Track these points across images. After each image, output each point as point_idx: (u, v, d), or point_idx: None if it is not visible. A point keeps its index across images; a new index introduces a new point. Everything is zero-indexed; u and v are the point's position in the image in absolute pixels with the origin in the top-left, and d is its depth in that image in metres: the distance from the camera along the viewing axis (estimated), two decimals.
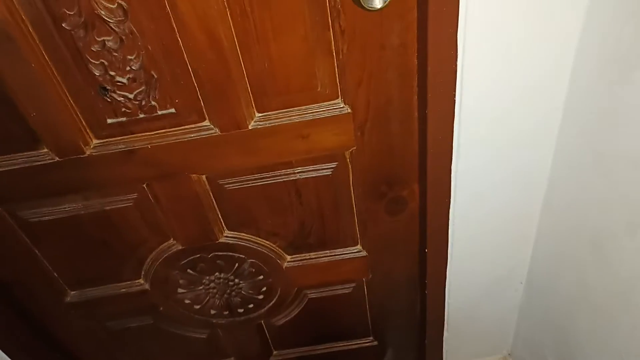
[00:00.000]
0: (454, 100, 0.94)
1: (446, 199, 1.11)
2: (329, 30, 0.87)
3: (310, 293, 1.40)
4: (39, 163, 1.00)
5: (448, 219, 1.14)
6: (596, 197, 0.95)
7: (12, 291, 1.27)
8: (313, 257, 1.29)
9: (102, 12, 0.81)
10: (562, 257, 1.11)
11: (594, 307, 1.03)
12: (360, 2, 0.74)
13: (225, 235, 1.20)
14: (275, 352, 1.62)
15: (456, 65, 0.87)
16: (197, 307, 1.39)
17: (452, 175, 1.06)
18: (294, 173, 1.09)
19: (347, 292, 1.40)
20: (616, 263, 0.92)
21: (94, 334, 1.43)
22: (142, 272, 1.27)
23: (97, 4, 0.80)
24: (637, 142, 0.79)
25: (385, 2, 0.73)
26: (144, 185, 1.08)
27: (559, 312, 1.15)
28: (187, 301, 1.36)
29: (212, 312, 1.41)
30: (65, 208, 1.09)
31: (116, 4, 0.80)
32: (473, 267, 1.25)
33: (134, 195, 1.10)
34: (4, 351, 1.31)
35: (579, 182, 0.99)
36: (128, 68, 0.90)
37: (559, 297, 1.14)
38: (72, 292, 1.30)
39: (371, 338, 1.59)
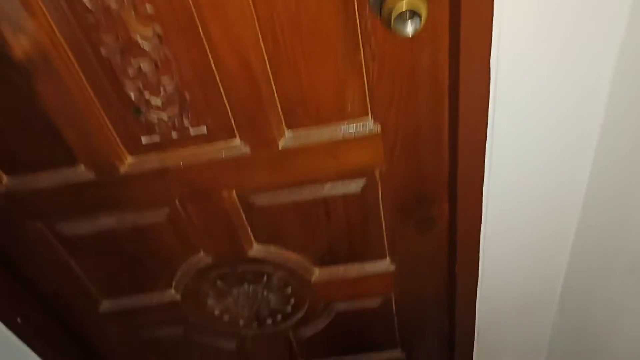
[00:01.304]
0: (486, 122, 0.93)
1: (477, 218, 1.09)
2: (360, 53, 0.87)
3: (338, 306, 1.41)
4: (77, 180, 1.03)
5: (479, 237, 1.13)
6: (636, 217, 0.92)
7: (49, 300, 1.31)
8: (341, 271, 1.29)
9: (138, 39, 0.83)
10: (598, 278, 1.08)
11: (630, 331, 1.00)
12: (391, 28, 0.74)
13: (254, 249, 1.22)
14: None
15: (489, 89, 0.86)
16: (227, 318, 1.41)
17: (483, 195, 1.05)
18: (323, 190, 1.10)
19: (375, 306, 1.40)
20: None
21: (127, 343, 1.47)
22: (174, 284, 1.30)
23: (133, 30, 0.82)
24: None
25: (416, 29, 0.72)
26: (177, 202, 1.10)
27: (593, 335, 1.13)
28: (216, 312, 1.38)
29: (241, 323, 1.43)
30: (100, 223, 1.12)
31: (152, 31, 0.82)
32: (504, 287, 1.24)
33: (167, 211, 1.12)
34: (42, 358, 1.35)
35: (617, 201, 0.97)
36: (162, 90, 0.92)
37: (594, 319, 1.11)
38: (106, 302, 1.34)
39: (399, 351, 1.58)
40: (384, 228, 1.18)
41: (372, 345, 1.57)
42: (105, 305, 1.35)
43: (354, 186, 1.09)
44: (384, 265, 1.28)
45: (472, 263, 1.18)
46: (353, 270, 1.29)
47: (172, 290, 1.32)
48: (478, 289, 1.24)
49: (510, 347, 1.45)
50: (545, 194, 1.06)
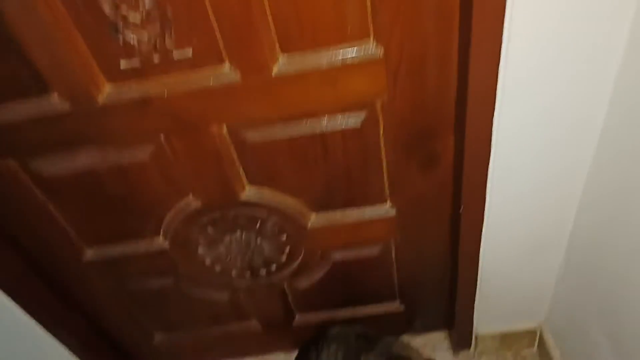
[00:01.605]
0: (501, 42, 0.84)
1: (485, 153, 1.02)
2: None
3: (336, 255, 1.34)
4: (51, 112, 0.94)
5: (486, 176, 1.05)
6: None
7: (29, 250, 1.24)
8: (339, 216, 1.22)
9: None
10: (611, 217, 1.02)
11: None
12: None
13: (246, 192, 1.14)
14: (298, 316, 1.57)
15: (505, 3, 0.77)
16: (218, 268, 1.34)
17: (492, 127, 0.97)
18: (321, 125, 1.02)
19: (374, 254, 1.34)
20: None
21: (114, 295, 1.40)
22: (162, 230, 1.23)
23: None
24: None
25: None
26: (161, 138, 1.02)
27: (605, 278, 1.07)
28: (207, 262, 1.32)
29: (234, 273, 1.36)
30: (79, 161, 1.04)
31: None
32: (511, 228, 1.17)
33: (151, 148, 1.03)
34: (24, 309, 1.29)
35: (635, 135, 0.89)
36: (140, 5, 0.82)
37: (606, 261, 1.05)
38: (90, 250, 1.27)
39: (398, 302, 1.53)
40: (384, 167, 1.11)
41: (370, 297, 1.51)
42: (90, 254, 1.27)
43: (354, 120, 1.01)
44: (384, 209, 1.21)
45: (478, 205, 1.11)
46: (351, 215, 1.22)
47: (160, 238, 1.25)
48: (482, 234, 1.18)
49: (512, 298, 1.40)
50: (559, 131, 0.99)
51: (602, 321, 1.12)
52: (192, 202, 1.15)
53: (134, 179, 1.09)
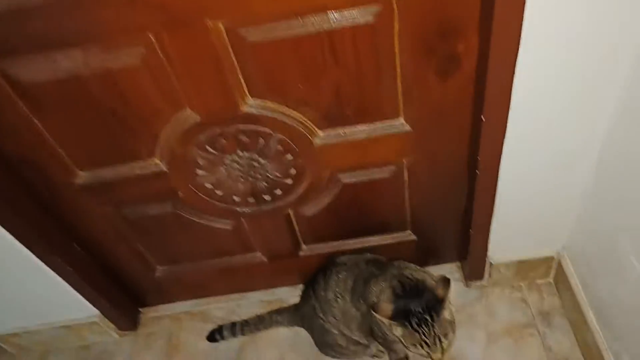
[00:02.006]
0: None
1: (512, 53, 0.91)
2: None
3: (344, 178, 1.26)
4: (23, 3, 0.84)
5: (512, 80, 0.95)
6: None
7: (20, 172, 1.16)
8: (348, 132, 1.13)
9: None
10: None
11: None
12: None
13: (248, 104, 1.05)
14: (304, 247, 1.51)
15: None
16: (219, 192, 1.26)
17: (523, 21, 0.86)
18: (329, 21, 0.91)
19: (385, 176, 1.26)
20: None
21: (112, 223, 1.33)
22: (157, 150, 1.14)
23: None
24: None
25: None
26: (152, 37, 0.91)
27: (627, 212, 0.98)
28: (207, 185, 1.24)
29: (236, 199, 1.29)
30: (60, 64, 0.94)
31: None
32: (535, 141, 1.08)
33: (141, 51, 0.93)
34: (16, 237, 1.22)
35: None
36: None
37: (628, 197, 0.97)
38: (82, 173, 1.18)
39: (409, 231, 1.47)
40: (398, 73, 1.00)
41: (380, 226, 1.44)
42: (82, 177, 1.19)
43: (366, 14, 0.90)
44: (398, 125, 1.12)
45: (501, 113, 1.01)
46: (362, 132, 1.13)
47: (157, 159, 1.16)
48: (504, 149, 1.09)
49: (531, 223, 1.32)
50: (598, 25, 0.88)
51: (634, 240, 1.04)
52: (189, 115, 1.06)
53: (124, 88, 0.99)
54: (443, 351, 1.08)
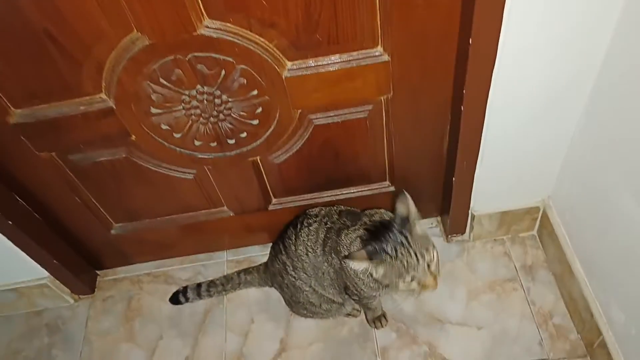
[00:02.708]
0: None
1: None
2: None
3: (316, 119, 1.14)
4: None
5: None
6: None
7: None
8: (320, 63, 1.01)
9: None
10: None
11: None
12: None
13: (205, 25, 0.91)
14: (274, 200, 1.40)
15: None
16: (178, 135, 1.13)
17: None
18: None
19: (361, 117, 1.15)
20: None
21: (57, 171, 1.19)
22: (103, 83, 1.00)
23: None
24: None
25: None
26: None
27: (636, 128, 0.90)
28: (164, 127, 1.11)
29: (197, 143, 1.16)
30: None
31: None
32: (526, 72, 0.97)
33: None
34: None
35: None
36: None
37: (621, 127, 0.88)
38: (17, 111, 1.04)
39: (387, 182, 1.36)
40: None
41: (355, 176, 1.34)
42: (17, 116, 1.04)
43: None
44: (376, 54, 1.00)
45: (491, 35, 0.90)
46: (335, 63, 1.01)
47: (103, 94, 1.02)
48: (492, 80, 0.98)
49: (517, 170, 1.23)
50: None
51: (627, 176, 0.96)
52: (137, 39, 0.92)
53: (61, 6, 0.85)
54: (433, 275, 1.01)
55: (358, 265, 0.98)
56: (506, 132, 1.11)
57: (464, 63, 0.96)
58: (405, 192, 1.00)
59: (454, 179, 1.24)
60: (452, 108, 1.11)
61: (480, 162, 1.18)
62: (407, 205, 0.99)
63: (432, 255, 1.01)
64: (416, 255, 0.98)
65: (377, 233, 1.02)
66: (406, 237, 0.98)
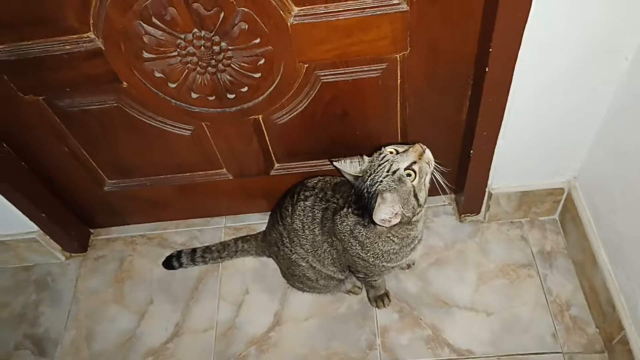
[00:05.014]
0: None
1: None
2: None
3: (324, 76, 1.04)
4: None
5: None
6: None
7: None
8: (331, 9, 0.90)
9: None
10: None
11: None
12: None
13: None
14: (277, 165, 1.31)
15: None
16: (173, 85, 1.04)
17: None
18: None
19: (373, 76, 1.04)
20: None
21: (45, 117, 1.11)
22: (91, 20, 0.91)
23: None
24: None
25: None
26: None
27: None
28: (157, 74, 1.01)
29: (194, 96, 1.07)
30: None
31: None
32: (561, 30, 0.85)
33: None
34: None
35: None
36: None
37: None
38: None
39: None
40: None
41: (365, 143, 1.23)
42: (0, 52, 0.96)
43: None
44: (394, 3, 0.89)
45: None
46: (347, 10, 0.90)
47: (91, 33, 0.93)
48: (524, 33, 0.87)
49: (543, 145, 1.12)
50: None
51: None
52: None
53: None
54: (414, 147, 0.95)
55: (385, 214, 0.90)
56: (535, 97, 0.99)
57: (492, 13, 0.84)
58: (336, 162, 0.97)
59: (471, 151, 1.13)
60: (476, 69, 1.00)
61: (503, 132, 1.07)
62: (350, 170, 0.97)
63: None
64: (388, 161, 0.93)
65: (360, 196, 0.95)
66: (374, 174, 0.93)
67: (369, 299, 1.29)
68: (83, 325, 1.34)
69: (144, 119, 1.13)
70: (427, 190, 0.97)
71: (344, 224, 1.02)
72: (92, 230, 1.52)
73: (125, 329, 1.32)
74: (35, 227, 1.34)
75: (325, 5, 0.90)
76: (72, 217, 1.43)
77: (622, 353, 1.07)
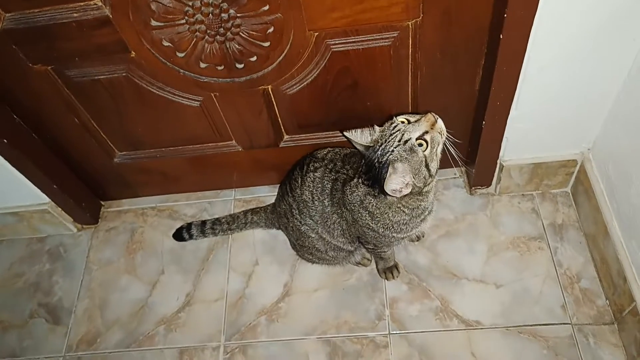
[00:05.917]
0: None
1: None
2: None
3: (335, 44, 1.03)
4: None
5: None
6: None
7: None
8: None
9: None
10: None
11: None
12: None
13: None
14: (286, 137, 1.30)
15: None
16: (181, 55, 1.03)
17: None
18: None
19: (385, 45, 1.02)
20: None
21: (54, 87, 1.11)
22: None
23: None
24: None
25: None
26: None
27: None
28: (165, 43, 1.00)
29: (203, 65, 1.06)
30: None
31: None
32: (575, 1, 0.83)
33: None
34: None
35: None
36: None
37: None
38: (8, 15, 0.95)
39: None
40: None
41: (375, 113, 1.21)
42: (8, 20, 0.95)
43: None
44: None
45: None
46: None
47: (98, 0, 0.92)
48: (539, 7, 0.84)
49: (557, 114, 1.10)
50: None
51: None
52: None
53: None
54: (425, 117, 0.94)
55: (396, 184, 0.90)
56: (550, 66, 0.97)
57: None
58: (346, 132, 0.97)
59: (484, 122, 1.11)
60: (490, 37, 0.98)
61: (516, 102, 1.05)
62: (360, 139, 0.96)
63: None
64: (400, 131, 0.92)
65: (370, 167, 0.95)
66: (385, 144, 0.92)
67: (378, 270, 1.30)
68: (96, 294, 1.37)
69: (153, 90, 1.12)
70: (438, 161, 0.96)
71: (354, 194, 1.01)
72: (103, 203, 1.53)
73: (137, 299, 1.34)
74: (46, 199, 1.35)
75: None
76: (83, 189, 1.44)
77: (633, 324, 1.07)
